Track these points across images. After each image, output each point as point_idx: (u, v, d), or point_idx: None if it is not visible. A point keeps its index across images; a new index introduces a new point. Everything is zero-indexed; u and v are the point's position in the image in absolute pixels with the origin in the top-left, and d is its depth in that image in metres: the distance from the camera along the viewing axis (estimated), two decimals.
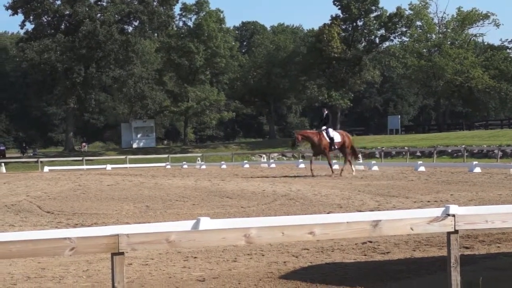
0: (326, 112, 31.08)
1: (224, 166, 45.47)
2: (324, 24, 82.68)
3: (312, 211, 16.12)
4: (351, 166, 31.05)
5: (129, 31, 78.62)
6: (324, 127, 30.51)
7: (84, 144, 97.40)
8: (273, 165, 44.47)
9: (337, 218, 11.83)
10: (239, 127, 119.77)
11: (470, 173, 29.64)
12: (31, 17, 75.64)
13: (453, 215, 6.90)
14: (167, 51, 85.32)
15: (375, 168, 35.59)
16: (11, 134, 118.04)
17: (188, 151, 75.57)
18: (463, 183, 23.80)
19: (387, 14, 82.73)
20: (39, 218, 16.36)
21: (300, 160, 45.47)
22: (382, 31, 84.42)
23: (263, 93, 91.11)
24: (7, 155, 74.72)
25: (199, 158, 60.29)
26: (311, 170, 30.34)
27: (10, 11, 74.84)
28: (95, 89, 78.60)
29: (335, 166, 33.20)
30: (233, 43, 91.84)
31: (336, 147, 30.20)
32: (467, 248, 10.66)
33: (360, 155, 31.54)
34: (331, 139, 29.88)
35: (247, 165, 45.60)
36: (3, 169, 52.39)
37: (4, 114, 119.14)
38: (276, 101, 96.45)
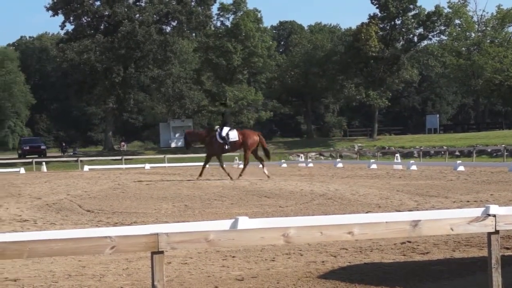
0: (224, 111, 30.90)
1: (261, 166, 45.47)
2: (362, 23, 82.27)
3: (350, 210, 16.07)
4: (263, 167, 30.16)
5: (167, 31, 78.97)
6: (217, 127, 30.32)
7: (123, 143, 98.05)
8: (310, 165, 44.35)
9: (376, 218, 11.79)
10: (277, 127, 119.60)
11: (510, 172, 29.32)
12: (71, 18, 76.33)
13: (494, 215, 6.84)
14: (205, 51, 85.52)
15: (414, 167, 35.36)
16: (52, 134, 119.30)
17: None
18: (503, 183, 23.55)
19: (426, 13, 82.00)
20: (80, 217, 16.52)
21: (338, 160, 45.29)
22: (421, 30, 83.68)
23: (300, 93, 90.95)
24: (47, 154, 75.45)
25: (236, 158, 60.32)
26: (227, 173, 29.49)
27: (50, 12, 75.67)
28: (134, 89, 79.09)
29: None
30: (271, 43, 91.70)
31: (228, 147, 29.15)
32: (507, 249, 10.55)
33: (264, 160, 30.04)
34: (223, 139, 29.00)
35: (284, 165, 45.57)
36: (44, 168, 52.97)
37: (45, 113, 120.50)
38: (314, 100, 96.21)
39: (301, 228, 6.83)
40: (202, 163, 31.20)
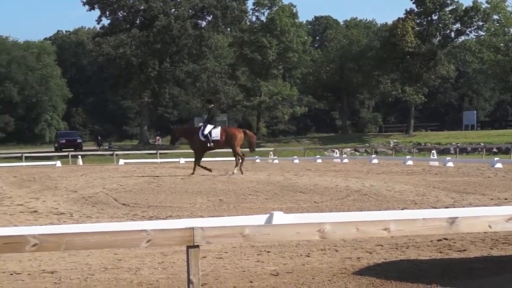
0: (210, 107, 30.82)
1: (296, 161, 45.43)
2: (398, 18, 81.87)
3: (386, 207, 15.96)
4: (236, 165, 29.74)
5: (203, 26, 79.21)
6: (201, 124, 30.20)
7: (158, 137, 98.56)
8: (345, 160, 44.19)
9: (413, 215, 11.70)
10: (312, 122, 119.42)
11: None
12: (107, 12, 76.93)
13: None
14: (240, 46, 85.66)
15: (450, 164, 35.04)
16: (87, 127, 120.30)
17: (261, 146, 75.75)
18: None
19: (463, 8, 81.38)
20: (115, 210, 16.61)
21: (373, 156, 45.07)
22: (458, 25, 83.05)
23: (335, 88, 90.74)
24: (83, 148, 76.09)
25: (271, 153, 60.37)
26: (207, 168, 29.27)
27: (87, 7, 76.30)
28: (169, 83, 79.40)
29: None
30: (306, 38, 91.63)
31: (211, 144, 28.89)
32: None
33: (240, 157, 29.16)
34: (206, 136, 28.78)
35: (319, 160, 45.46)
36: (80, 161, 53.41)
37: (81, 107, 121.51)
38: (349, 96, 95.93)
39: (336, 224, 6.81)
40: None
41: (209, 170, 29.09)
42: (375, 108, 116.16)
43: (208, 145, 28.95)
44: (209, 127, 29.00)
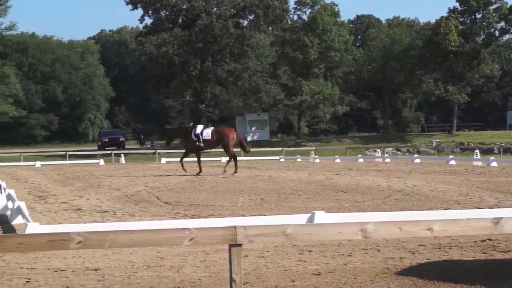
0: (201, 107, 30.93)
1: (337, 160, 45.25)
2: (441, 17, 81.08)
3: (429, 207, 15.86)
4: (226, 164, 30.03)
5: (244, 25, 79.30)
6: (191, 124, 30.50)
7: None
8: (387, 160, 43.91)
9: (456, 215, 11.62)
10: (353, 121, 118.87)
11: None
12: (150, 12, 77.42)
13: None
14: (282, 45, 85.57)
15: (494, 164, 34.62)
16: (130, 126, 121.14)
17: (302, 145, 75.65)
18: None
19: (508, 6, 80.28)
20: (158, 209, 16.74)
21: (416, 155, 44.74)
22: (502, 24, 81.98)
23: (377, 87, 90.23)
24: (126, 147, 76.65)
25: (312, 152, 60.24)
26: (184, 169, 29.25)
27: (130, 6, 76.89)
28: (211, 82, 79.61)
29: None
30: (348, 37, 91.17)
31: (203, 144, 29.03)
32: None
33: (232, 157, 29.43)
34: (197, 136, 28.86)
35: (361, 160, 45.22)
36: (123, 160, 53.79)
37: (124, 106, 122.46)
38: (391, 95, 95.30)
39: (379, 224, 6.79)
40: (276, 157, 31.30)
41: (185, 170, 29.11)
42: (417, 108, 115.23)
43: (201, 145, 29.20)
44: (200, 127, 29.28)
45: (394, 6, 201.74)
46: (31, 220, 12.56)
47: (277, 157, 54.14)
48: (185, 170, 29.07)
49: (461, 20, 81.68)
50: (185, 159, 30.16)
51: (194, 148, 29.59)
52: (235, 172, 29.10)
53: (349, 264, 9.42)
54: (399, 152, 67.43)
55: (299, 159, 49.35)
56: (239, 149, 34.04)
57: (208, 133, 28.97)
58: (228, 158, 30.27)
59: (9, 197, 15.49)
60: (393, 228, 6.70)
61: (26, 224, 12.04)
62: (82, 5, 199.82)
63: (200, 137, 28.93)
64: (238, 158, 31.04)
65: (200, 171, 29.31)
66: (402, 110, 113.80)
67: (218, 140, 29.20)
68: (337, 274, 8.77)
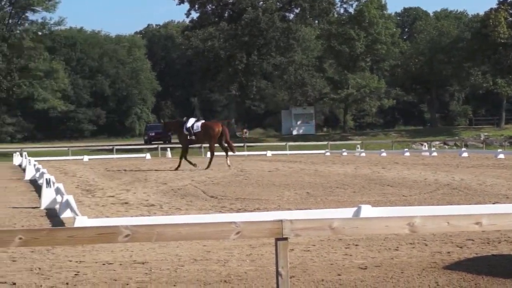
0: (193, 101, 30.59)
1: (384, 154, 44.99)
2: (491, 8, 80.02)
3: (477, 201, 15.68)
4: (226, 156, 29.73)
5: (290, 18, 79.17)
6: (185, 118, 30.53)
7: (245, 130, 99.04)
8: (434, 154, 43.53)
9: (506, 209, 11.47)
10: (399, 115, 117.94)
11: None
12: (196, 6, 77.78)
13: None
14: (328, 38, 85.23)
15: None
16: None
17: (348, 139, 75.34)
18: None
19: None
20: (204, 202, 16.81)
21: (463, 149, 44.27)
22: None
23: (424, 80, 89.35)
24: (172, 141, 77.06)
25: (358, 146, 59.97)
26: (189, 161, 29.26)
27: (177, 1, 77.33)
28: (257, 76, 79.66)
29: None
30: (395, 30, 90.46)
31: (194, 138, 29.09)
32: None
33: (230, 149, 29.60)
34: (188, 130, 28.94)
35: (407, 153, 44.89)
36: (169, 154, 54.12)
37: (170, 100, 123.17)
38: (438, 88, 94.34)
39: (427, 218, 6.72)
40: (322, 151, 31.22)
41: (194, 165, 29.01)
42: (465, 101, 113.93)
43: (189, 137, 29.30)
44: (191, 121, 29.43)
45: None
46: (79, 213, 12.71)
47: (323, 151, 54.01)
48: (194, 165, 28.87)
49: (511, 12, 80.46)
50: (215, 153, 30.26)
51: (187, 142, 29.73)
52: (207, 167, 28.98)
53: (395, 258, 9.36)
54: (446, 146, 66.79)
55: (344, 153, 49.18)
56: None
57: (198, 126, 29.14)
58: (225, 153, 30.16)
59: (57, 191, 15.69)
60: (441, 222, 6.64)
61: (75, 217, 12.19)
62: (129, 0, 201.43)
63: (191, 130, 29.12)
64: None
65: (179, 166, 29.25)
66: (449, 103, 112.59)
67: (205, 133, 29.21)
68: (383, 268, 8.73)
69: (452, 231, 8.17)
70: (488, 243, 10.38)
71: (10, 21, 70.71)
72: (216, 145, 30.15)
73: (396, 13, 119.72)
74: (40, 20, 72.12)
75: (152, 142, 69.52)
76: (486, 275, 8.20)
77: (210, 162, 29.57)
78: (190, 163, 29.07)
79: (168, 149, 56.30)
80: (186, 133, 29.26)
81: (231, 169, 28.46)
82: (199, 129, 29.01)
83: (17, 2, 69.30)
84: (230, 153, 30.02)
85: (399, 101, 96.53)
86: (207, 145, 31.06)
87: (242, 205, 16.02)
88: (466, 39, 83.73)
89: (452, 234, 10.78)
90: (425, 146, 55.46)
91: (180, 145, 32.83)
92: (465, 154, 39.93)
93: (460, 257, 9.37)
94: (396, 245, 10.34)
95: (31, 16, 73.16)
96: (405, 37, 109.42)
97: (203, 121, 29.83)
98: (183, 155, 29.63)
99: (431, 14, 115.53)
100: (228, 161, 29.43)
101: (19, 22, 71.75)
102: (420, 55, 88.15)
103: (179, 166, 29.17)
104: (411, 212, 11.66)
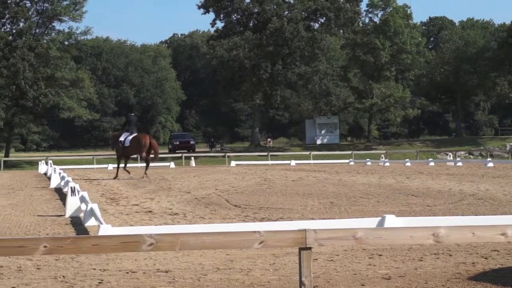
0: (128, 115, 31.79)
1: (408, 164, 44.79)
2: None
3: (502, 211, 15.56)
4: (145, 170, 30.61)
5: (315, 28, 79.12)
6: (121, 131, 31.63)
7: (269, 139, 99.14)
8: (459, 164, 43.28)
9: None
10: (424, 124, 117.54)
11: None
12: (221, 16, 77.95)
13: None
14: (352, 48, 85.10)
15: None
16: (200, 129, 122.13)
17: (372, 148, 75.11)
18: None
19: None
20: (227, 211, 16.82)
21: (489, 159, 43.97)
22: None
23: (450, 90, 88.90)
24: (196, 150, 77.32)
25: (382, 155, 59.76)
26: (126, 170, 30.50)
27: (202, 10, 77.55)
28: (281, 85, 79.64)
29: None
30: (420, 39, 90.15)
31: (126, 150, 30.00)
32: None
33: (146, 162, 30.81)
34: (121, 143, 29.88)
35: (432, 163, 44.66)
36: (193, 163, 54.25)
37: (194, 109, 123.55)
38: (464, 98, 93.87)
39: (451, 228, 6.69)
40: (346, 160, 31.23)
41: (129, 172, 30.54)
42: (490, 110, 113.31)
43: (123, 152, 30.36)
44: (125, 134, 30.36)
45: (467, 7, 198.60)
46: (103, 222, 12.76)
47: (347, 161, 53.86)
48: (116, 175, 30.42)
49: None
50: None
51: (120, 153, 30.72)
52: (143, 176, 29.94)
53: (420, 269, 9.31)
54: (471, 156, 66.35)
55: (369, 163, 49.02)
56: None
57: (129, 139, 30.00)
58: (146, 164, 31.20)
59: (82, 199, 15.78)
60: (466, 232, 6.61)
61: (99, 226, 12.24)
62: (155, 10, 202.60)
63: (123, 143, 30.08)
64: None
65: (116, 176, 30.43)
66: (475, 113, 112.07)
67: (134, 146, 29.95)
68: (407, 279, 8.68)
69: (477, 241, 8.13)
70: None
71: (37, 30, 71.29)
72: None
73: (421, 22, 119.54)
74: (66, 30, 72.64)
75: (177, 151, 69.73)
76: (511, 286, 8.14)
77: (146, 169, 30.80)
78: (123, 169, 30.68)
79: (192, 158, 56.44)
80: (120, 145, 30.31)
81: (146, 179, 29.19)
82: (129, 143, 29.94)
83: (44, 12, 69.87)
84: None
85: (424, 111, 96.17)
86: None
87: (266, 214, 16.01)
88: (493, 48, 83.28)
89: (477, 244, 10.71)
90: (450, 156, 55.17)
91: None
92: (490, 164, 39.65)
93: (485, 268, 9.29)
94: (420, 255, 10.29)
95: (58, 25, 73.76)
96: (430, 47, 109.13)
97: (135, 134, 30.33)
98: (118, 165, 31.16)
99: (457, 24, 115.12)
100: (147, 172, 30.41)
101: (46, 32, 72.27)
102: (446, 64, 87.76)
103: (116, 175, 30.55)
104: (436, 222, 11.59)
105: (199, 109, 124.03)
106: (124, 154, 30.57)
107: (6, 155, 68.72)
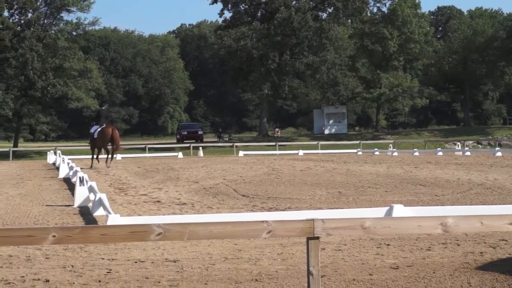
0: (99, 109, 32.22)
1: (416, 153, 44.68)
2: None
3: (511, 201, 15.53)
4: (109, 159, 31.14)
5: (323, 17, 78.93)
6: (93, 123, 32.51)
7: (277, 129, 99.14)
8: (467, 153, 43.15)
9: None
10: (432, 114, 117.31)
11: None
12: (229, 6, 77.82)
13: None
14: (360, 37, 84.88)
15: None
16: (208, 119, 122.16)
17: (380, 138, 74.98)
18: None
19: None
20: (235, 201, 16.83)
21: (497, 149, 43.85)
22: None
23: (458, 79, 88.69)
24: (204, 140, 77.32)
25: (390, 145, 59.65)
26: (97, 159, 31.50)
27: (209, 0, 77.46)
28: (289, 75, 79.52)
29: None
30: (428, 29, 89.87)
31: (95, 142, 30.80)
32: None
33: (108, 152, 31.23)
34: (92, 135, 30.98)
35: (440, 153, 44.55)
36: (201, 153, 54.23)
37: (203, 100, 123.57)
38: (472, 87, 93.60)
39: (460, 218, 6.68)
40: (354, 150, 31.29)
41: (98, 161, 31.66)
42: (499, 100, 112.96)
43: (92, 143, 31.34)
44: (95, 127, 31.17)
45: None
46: (112, 211, 12.79)
47: (355, 150, 53.78)
48: (97, 161, 31.50)
49: None
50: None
51: (92, 145, 31.55)
52: (108, 166, 30.58)
53: (427, 258, 9.31)
54: (479, 146, 66.24)
55: (377, 152, 48.93)
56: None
57: (97, 131, 30.78)
58: (108, 154, 31.58)
59: (90, 189, 15.81)
60: (474, 222, 6.59)
61: (107, 215, 12.27)
62: (163, 0, 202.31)
63: (93, 135, 31.03)
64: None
65: (91, 167, 31.00)
66: (483, 103, 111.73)
67: (99, 137, 30.63)
68: (415, 268, 8.69)
69: (485, 231, 8.11)
70: None
71: (45, 21, 71.34)
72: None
73: (429, 11, 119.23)
74: (74, 20, 72.66)
75: (185, 141, 69.77)
76: None
77: (111, 159, 31.42)
78: (95, 159, 31.44)
79: (200, 148, 56.45)
80: (91, 137, 31.45)
81: (109, 168, 29.87)
82: (97, 135, 30.73)
83: (52, 3, 69.87)
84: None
85: (432, 101, 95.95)
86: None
87: (274, 204, 16.02)
88: (501, 38, 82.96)
89: (485, 234, 10.70)
90: (458, 145, 55.07)
91: None
92: (499, 154, 39.53)
93: (493, 257, 9.29)
94: (428, 245, 10.29)
95: (66, 16, 73.75)
96: (438, 36, 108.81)
97: (104, 126, 31.07)
98: (92, 155, 31.77)
99: (465, 13, 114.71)
100: (109, 163, 30.96)
101: (54, 23, 72.34)
102: (454, 54, 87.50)
103: (91, 165, 31.26)
104: (444, 211, 11.58)
105: (207, 99, 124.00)
106: (94, 146, 31.37)
107: (15, 145, 68.90)
